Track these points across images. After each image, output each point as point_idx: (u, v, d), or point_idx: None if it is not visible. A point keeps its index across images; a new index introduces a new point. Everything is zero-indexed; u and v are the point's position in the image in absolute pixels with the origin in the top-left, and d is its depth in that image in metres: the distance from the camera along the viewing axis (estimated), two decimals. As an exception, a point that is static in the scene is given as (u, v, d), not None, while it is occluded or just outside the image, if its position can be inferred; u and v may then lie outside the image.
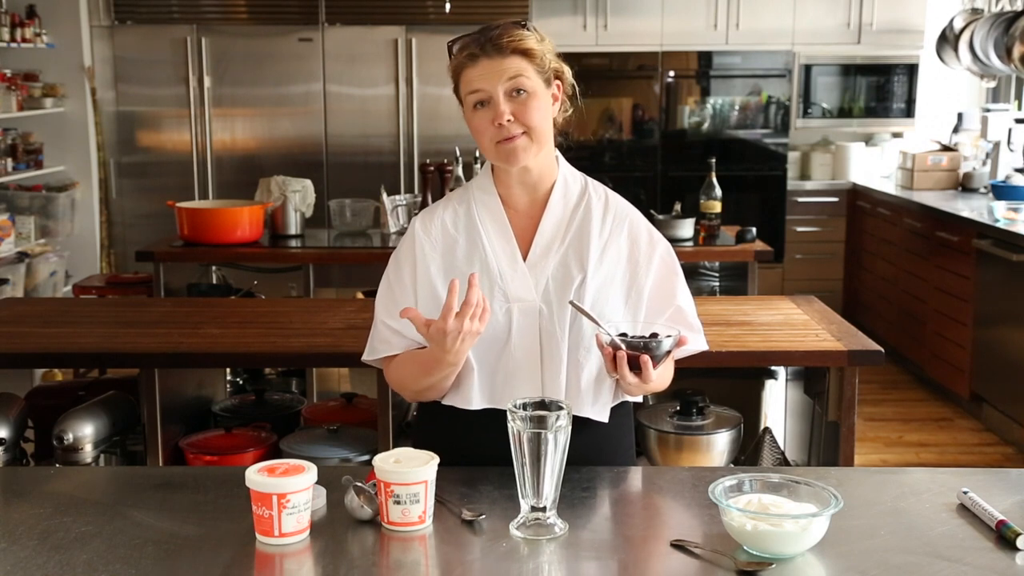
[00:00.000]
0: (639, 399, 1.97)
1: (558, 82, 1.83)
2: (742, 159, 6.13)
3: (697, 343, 1.91)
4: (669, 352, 1.73)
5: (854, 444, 2.70)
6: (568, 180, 1.89)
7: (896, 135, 6.65)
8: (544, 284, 1.82)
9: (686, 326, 1.88)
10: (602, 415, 1.85)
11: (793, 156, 6.42)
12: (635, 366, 1.69)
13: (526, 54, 1.77)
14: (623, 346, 1.69)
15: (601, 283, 1.83)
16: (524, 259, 1.83)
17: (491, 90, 1.75)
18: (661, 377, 1.82)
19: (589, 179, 1.93)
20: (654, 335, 1.73)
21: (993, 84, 6.23)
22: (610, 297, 1.83)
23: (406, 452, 1.62)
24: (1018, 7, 5.69)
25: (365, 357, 1.92)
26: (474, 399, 1.81)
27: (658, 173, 6.12)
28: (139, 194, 5.95)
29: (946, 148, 6.07)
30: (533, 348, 1.80)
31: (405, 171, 5.91)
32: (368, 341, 1.91)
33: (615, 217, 1.88)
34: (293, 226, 4.40)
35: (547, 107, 1.80)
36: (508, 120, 1.75)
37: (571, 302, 1.76)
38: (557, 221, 1.86)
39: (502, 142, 1.77)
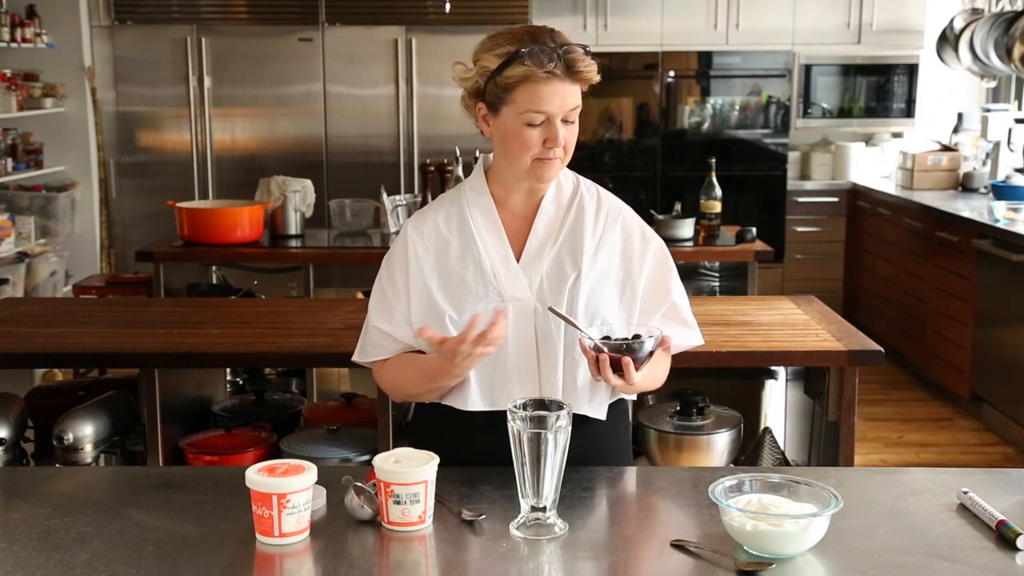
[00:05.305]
0: (633, 397, 1.98)
1: None
2: (742, 159, 6.13)
3: (692, 338, 1.92)
4: (652, 353, 1.73)
5: (854, 444, 2.70)
6: (561, 180, 1.89)
7: (896, 135, 6.65)
8: (538, 283, 1.82)
9: (680, 322, 1.89)
10: (599, 413, 1.85)
11: (793, 156, 6.42)
12: (618, 368, 1.69)
13: (586, 84, 1.77)
14: (605, 349, 1.69)
15: (596, 280, 1.83)
16: (518, 259, 1.84)
17: (554, 114, 1.75)
18: (652, 377, 1.83)
19: (581, 178, 1.93)
20: (636, 336, 1.73)
21: (993, 84, 6.23)
22: (605, 294, 1.83)
23: (406, 452, 1.62)
24: (1018, 7, 5.69)
25: (356, 358, 1.93)
26: (472, 400, 1.81)
27: (658, 173, 6.12)
28: (139, 194, 5.94)
29: (946, 148, 6.07)
30: (529, 347, 1.81)
31: (405, 171, 5.91)
32: (359, 342, 1.92)
33: (608, 215, 1.88)
34: (293, 226, 4.40)
35: None
36: (560, 145, 1.76)
37: (551, 308, 1.76)
38: (550, 220, 1.86)
39: (543, 161, 1.78)
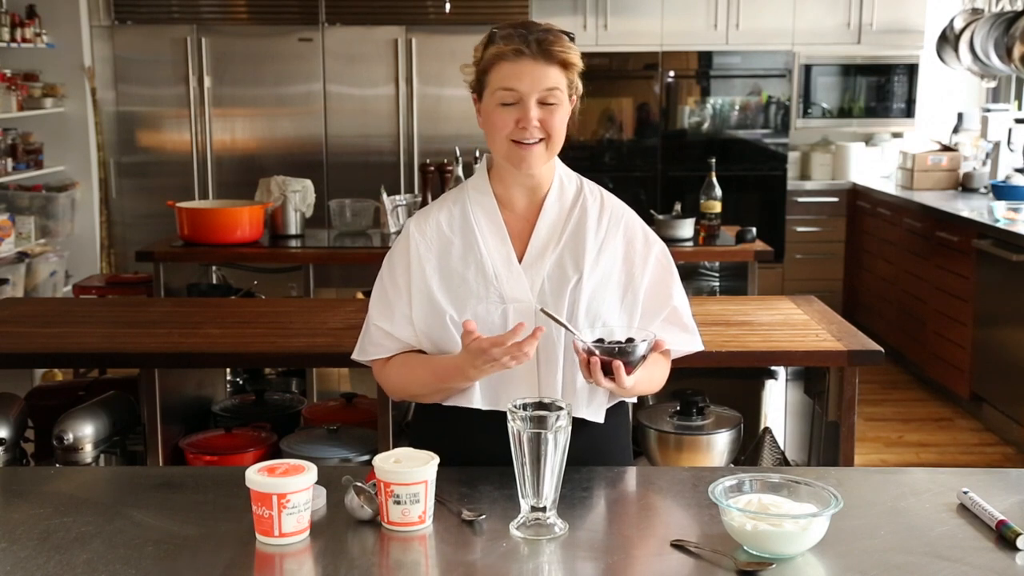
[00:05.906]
0: (633, 400, 1.97)
1: (574, 98, 1.84)
2: (742, 159, 6.13)
3: (693, 344, 1.91)
4: (644, 357, 1.71)
5: (854, 444, 2.70)
6: (564, 181, 1.89)
7: (896, 135, 6.65)
8: (540, 285, 1.82)
9: (681, 327, 1.89)
10: (597, 416, 1.85)
11: (793, 156, 6.42)
12: (610, 372, 1.68)
13: (566, 67, 1.77)
14: (596, 352, 1.68)
15: (597, 283, 1.82)
16: (520, 260, 1.83)
17: (525, 93, 1.74)
18: (648, 381, 1.82)
19: (584, 179, 1.93)
20: (630, 340, 1.72)
21: (993, 84, 6.23)
22: (606, 297, 1.83)
23: (406, 452, 1.62)
24: (1018, 7, 5.69)
25: (355, 357, 1.93)
26: (475, 398, 1.81)
27: (658, 173, 6.12)
28: (139, 194, 5.94)
29: (946, 148, 6.07)
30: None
31: (405, 171, 5.91)
32: (359, 340, 1.91)
33: (611, 217, 1.88)
34: (293, 226, 4.40)
35: (567, 119, 1.81)
36: (535, 126, 1.76)
37: (542, 310, 1.75)
38: (553, 222, 1.86)
39: (519, 144, 1.77)
